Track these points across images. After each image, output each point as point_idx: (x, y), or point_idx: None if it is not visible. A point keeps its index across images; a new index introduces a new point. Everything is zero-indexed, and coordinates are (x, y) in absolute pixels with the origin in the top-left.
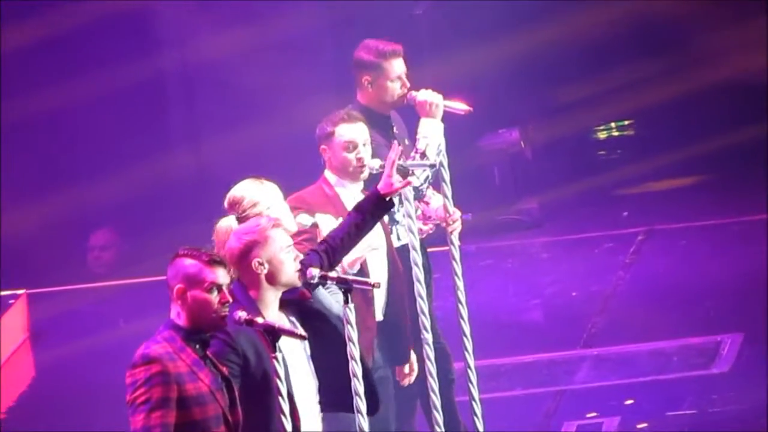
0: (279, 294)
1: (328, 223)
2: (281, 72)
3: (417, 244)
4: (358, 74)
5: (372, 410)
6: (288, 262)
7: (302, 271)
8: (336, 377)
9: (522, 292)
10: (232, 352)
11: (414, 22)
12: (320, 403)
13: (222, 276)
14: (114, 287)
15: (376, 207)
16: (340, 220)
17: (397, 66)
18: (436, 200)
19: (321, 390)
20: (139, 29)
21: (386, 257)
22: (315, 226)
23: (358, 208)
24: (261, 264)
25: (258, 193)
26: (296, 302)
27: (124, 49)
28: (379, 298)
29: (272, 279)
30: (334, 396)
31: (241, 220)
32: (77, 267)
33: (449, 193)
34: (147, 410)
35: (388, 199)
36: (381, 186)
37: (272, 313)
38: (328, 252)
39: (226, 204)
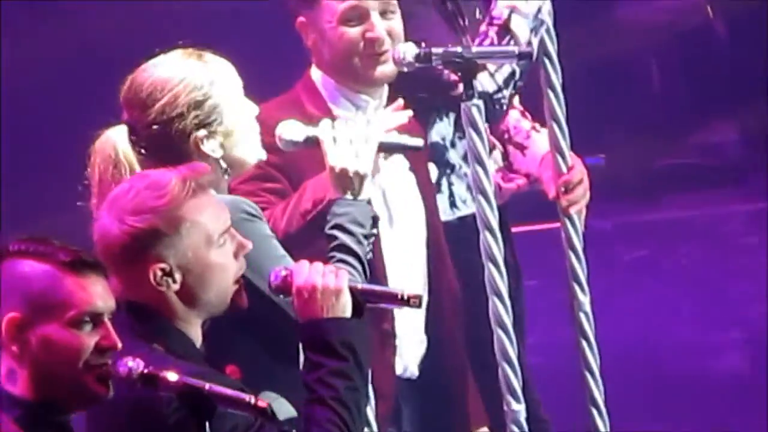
0: (203, 317)
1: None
2: None
3: (494, 221)
4: None
5: None
6: (222, 267)
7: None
8: None
9: (715, 307)
10: None
11: None
12: None
13: (100, 293)
14: None
15: None
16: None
17: None
18: (541, 141)
19: None
20: None
21: (425, 244)
22: (314, 142)
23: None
24: (166, 274)
25: (197, 77)
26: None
27: None
28: (411, 328)
29: (190, 298)
30: None
31: (152, 138)
32: None
33: (562, 114)
34: None
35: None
36: None
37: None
38: None
39: (121, 98)
